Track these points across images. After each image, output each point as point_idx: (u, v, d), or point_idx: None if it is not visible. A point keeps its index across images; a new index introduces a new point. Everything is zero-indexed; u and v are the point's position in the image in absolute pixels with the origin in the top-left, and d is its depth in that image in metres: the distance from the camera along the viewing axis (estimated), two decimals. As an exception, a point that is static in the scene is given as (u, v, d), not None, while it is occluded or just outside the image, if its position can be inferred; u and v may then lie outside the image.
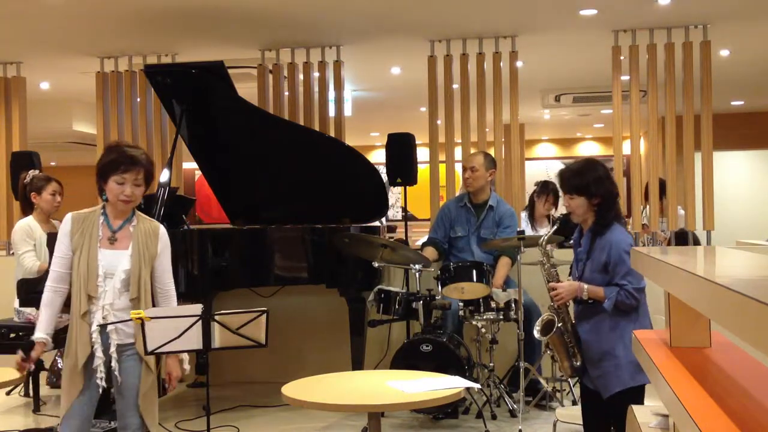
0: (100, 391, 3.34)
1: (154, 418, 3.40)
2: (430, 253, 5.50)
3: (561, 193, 3.66)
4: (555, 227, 3.77)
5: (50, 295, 3.34)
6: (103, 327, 3.27)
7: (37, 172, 5.60)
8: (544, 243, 3.72)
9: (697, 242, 6.65)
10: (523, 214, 6.93)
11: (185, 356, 3.50)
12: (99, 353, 3.29)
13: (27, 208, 5.50)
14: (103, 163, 3.34)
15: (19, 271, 5.30)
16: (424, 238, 5.85)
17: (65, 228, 3.34)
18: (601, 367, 3.51)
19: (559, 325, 3.55)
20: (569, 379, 5.27)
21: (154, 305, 3.42)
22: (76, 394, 3.29)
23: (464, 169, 5.61)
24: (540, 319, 3.66)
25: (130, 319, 3.27)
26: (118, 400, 3.39)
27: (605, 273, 3.50)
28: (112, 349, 3.30)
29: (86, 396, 3.31)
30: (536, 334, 3.65)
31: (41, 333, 3.32)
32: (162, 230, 3.47)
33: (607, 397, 3.50)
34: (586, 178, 3.51)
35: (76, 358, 3.28)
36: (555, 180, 4.76)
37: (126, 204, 3.33)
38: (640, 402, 3.40)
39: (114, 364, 3.30)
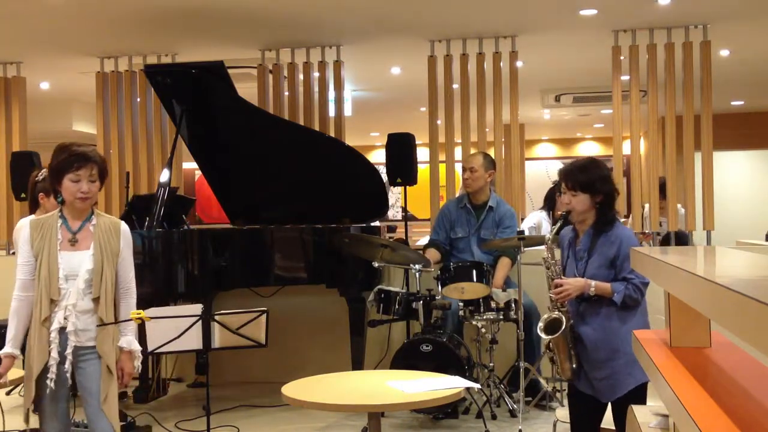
0: (54, 390, 3.26)
1: (116, 419, 3.34)
2: (433, 254, 5.49)
3: (563, 190, 3.59)
4: (560, 223, 3.70)
5: (16, 304, 3.30)
6: (62, 328, 3.23)
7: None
8: (550, 239, 3.69)
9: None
10: (543, 214, 6.86)
11: (138, 353, 3.41)
12: (54, 353, 3.24)
13: (33, 206, 5.49)
14: (55, 164, 3.30)
15: (19, 270, 5.29)
16: (424, 239, 5.85)
17: (24, 235, 3.31)
18: (610, 366, 3.42)
19: (565, 325, 3.51)
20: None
21: (114, 304, 3.36)
22: (29, 402, 3.25)
23: (463, 170, 5.61)
24: (545, 317, 3.56)
25: (130, 319, 3.26)
26: (85, 405, 3.33)
27: (611, 268, 3.47)
28: (69, 350, 3.24)
29: (54, 397, 3.26)
30: (541, 333, 3.55)
31: (9, 348, 3.27)
32: (123, 226, 3.41)
33: (618, 397, 3.40)
34: (592, 176, 3.50)
35: (31, 368, 3.24)
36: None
37: (83, 201, 3.29)
38: (645, 399, 3.38)
39: (68, 366, 3.25)
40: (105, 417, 3.28)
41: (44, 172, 5.44)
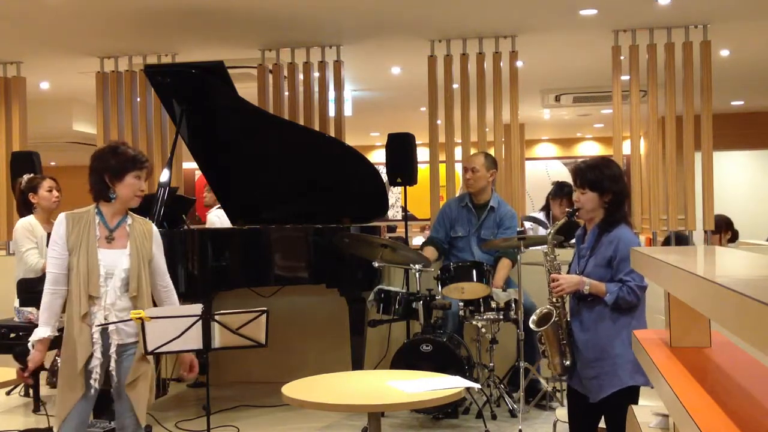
0: (97, 391, 3.31)
1: (143, 409, 3.33)
2: (430, 252, 5.49)
3: (574, 188, 3.61)
4: (564, 220, 3.72)
5: (49, 298, 3.31)
6: (104, 328, 3.26)
7: (31, 175, 5.61)
8: (552, 234, 3.72)
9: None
10: (542, 215, 6.90)
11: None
12: (98, 354, 3.27)
13: (25, 208, 5.50)
14: (118, 162, 3.34)
15: (20, 269, 5.29)
16: (418, 239, 5.84)
17: (60, 229, 3.31)
18: (598, 366, 3.45)
19: (556, 319, 3.53)
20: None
21: (154, 303, 3.43)
22: (76, 398, 3.25)
23: (465, 170, 5.60)
24: (538, 310, 3.62)
25: (130, 319, 3.26)
26: (116, 400, 3.37)
27: (609, 268, 3.47)
28: (113, 349, 3.28)
29: (85, 398, 3.29)
30: (531, 325, 3.60)
31: (43, 330, 3.29)
32: (155, 230, 3.50)
33: (601, 398, 3.43)
34: (602, 174, 3.50)
35: (75, 361, 3.25)
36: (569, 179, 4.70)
37: (140, 199, 3.40)
38: (634, 404, 3.37)
39: (112, 364, 3.29)
40: (134, 413, 3.29)
41: (25, 177, 5.51)
